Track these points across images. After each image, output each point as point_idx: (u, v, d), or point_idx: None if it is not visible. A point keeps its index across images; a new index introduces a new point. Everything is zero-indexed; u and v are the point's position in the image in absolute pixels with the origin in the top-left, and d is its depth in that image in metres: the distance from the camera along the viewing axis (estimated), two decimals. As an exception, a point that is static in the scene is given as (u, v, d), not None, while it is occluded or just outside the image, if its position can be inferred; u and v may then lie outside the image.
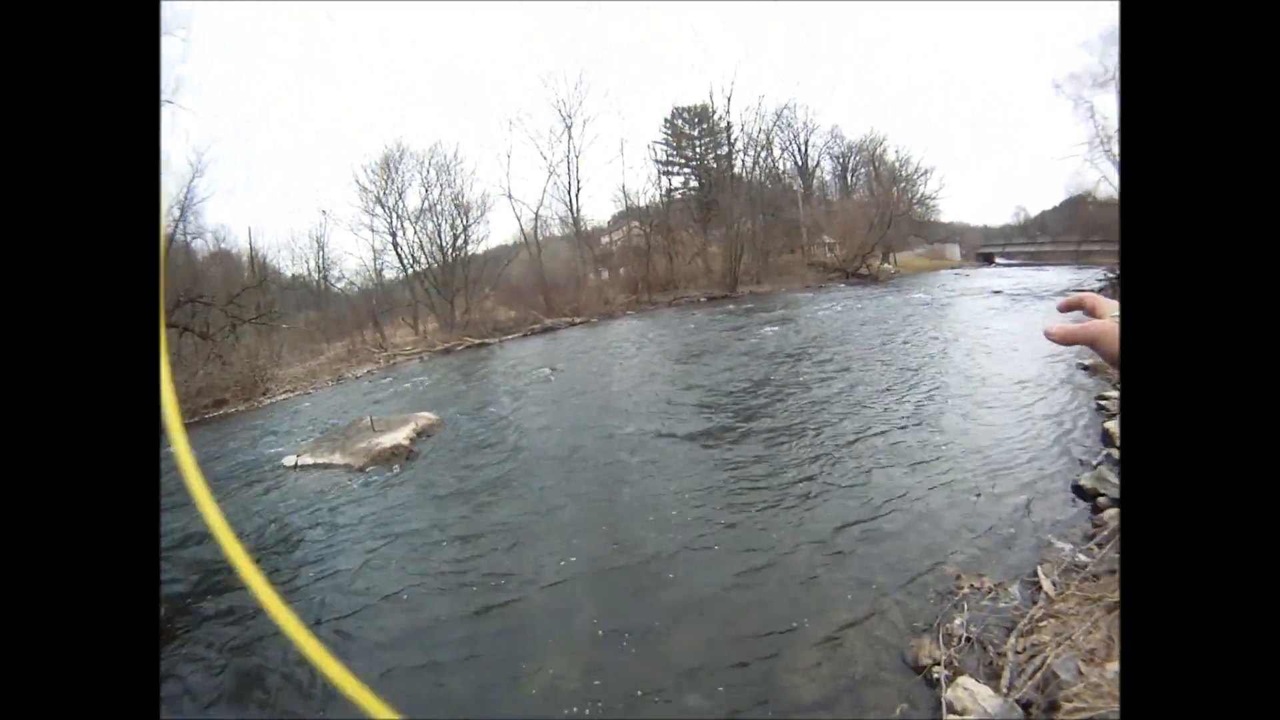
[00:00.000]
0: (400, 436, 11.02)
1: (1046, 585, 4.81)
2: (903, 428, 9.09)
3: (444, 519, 7.87)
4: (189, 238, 26.78)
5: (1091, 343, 0.79)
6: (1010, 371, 11.28)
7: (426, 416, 12.47)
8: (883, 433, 8.96)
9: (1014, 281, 26.35)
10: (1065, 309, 0.96)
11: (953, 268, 42.13)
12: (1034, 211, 56.76)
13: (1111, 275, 19.79)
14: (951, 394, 10.49)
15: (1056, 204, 45.73)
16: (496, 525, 7.50)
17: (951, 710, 3.85)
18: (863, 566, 5.60)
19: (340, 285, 33.52)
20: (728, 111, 39.93)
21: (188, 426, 15.26)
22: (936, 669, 4.21)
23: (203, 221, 29.45)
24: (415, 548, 7.14)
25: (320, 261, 34.19)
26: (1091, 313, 0.85)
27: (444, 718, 4.41)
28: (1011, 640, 4.30)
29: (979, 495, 6.63)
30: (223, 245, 31.00)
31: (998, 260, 44.51)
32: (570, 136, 33.79)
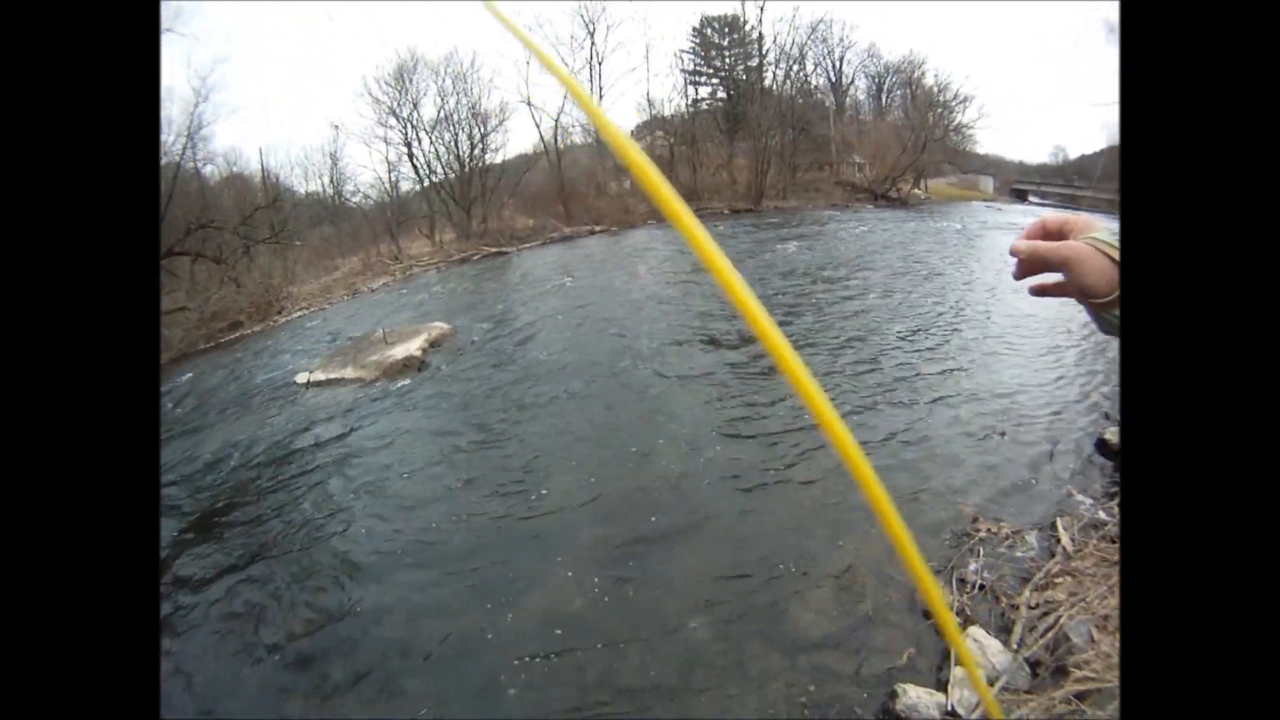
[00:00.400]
0: (413, 347, 10.91)
1: (1065, 540, 4.70)
2: (927, 360, 8.83)
3: (452, 429, 7.83)
4: (199, 164, 25.96)
5: (1063, 265, 0.71)
6: (1042, 313, 10.92)
7: (439, 326, 12.31)
8: (904, 364, 8.73)
9: (1049, 213, 25.12)
10: (1031, 237, 0.81)
11: (985, 200, 40.45)
12: (1073, 154, 54.41)
13: None
14: (979, 332, 10.16)
15: (1098, 150, 43.27)
16: (504, 436, 7.45)
17: (958, 662, 3.81)
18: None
19: (355, 199, 32.90)
20: (760, 22, 37.99)
21: (204, 351, 15.24)
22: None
23: (212, 147, 28.84)
24: (421, 460, 7.12)
25: (334, 176, 33.31)
26: (1058, 234, 0.77)
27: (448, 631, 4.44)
28: (1026, 594, 4.21)
29: (1003, 434, 6.46)
30: (234, 169, 30.33)
31: (1032, 199, 42.79)
32: (593, 43, 32.65)
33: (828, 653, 4.00)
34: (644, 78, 54.12)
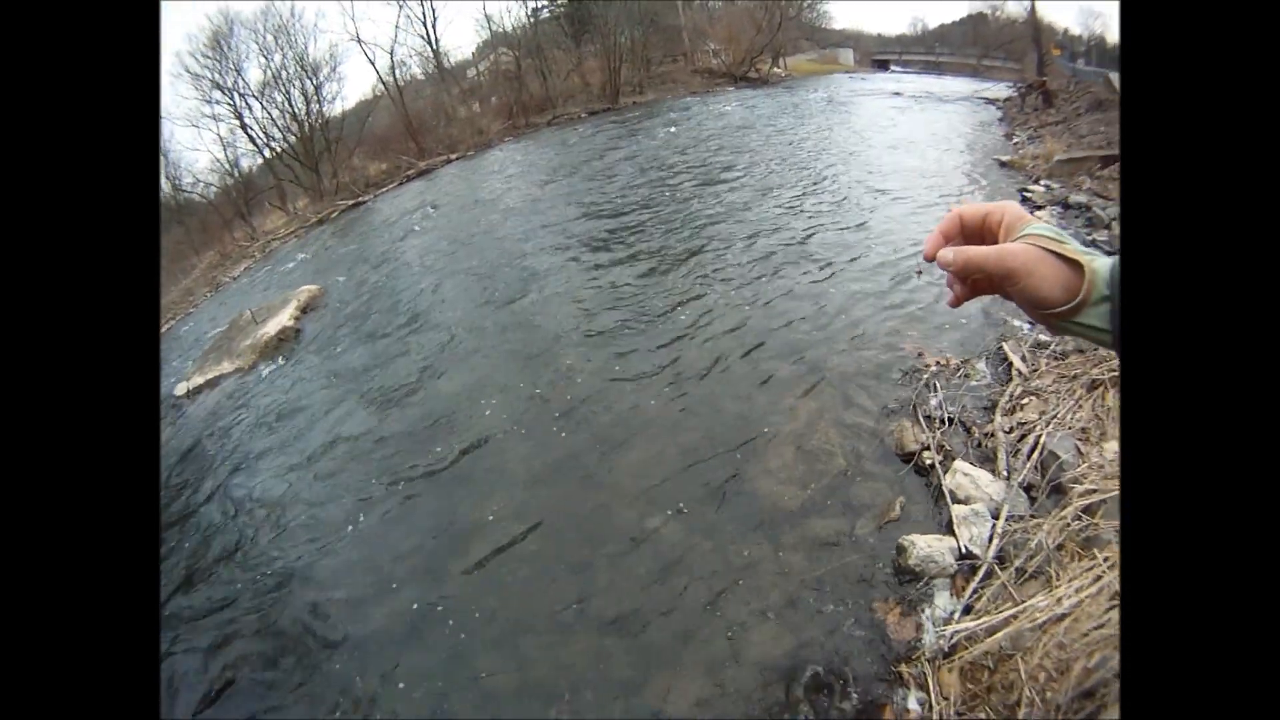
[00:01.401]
0: (284, 319, 10.05)
1: (1017, 362, 4.53)
2: (820, 224, 8.58)
3: (342, 387, 7.16)
4: None
5: (1008, 277, 0.61)
6: (925, 167, 10.82)
7: (307, 289, 11.36)
8: (804, 229, 8.47)
9: (914, 86, 25.31)
10: (948, 234, 0.69)
11: (846, 72, 40.77)
12: (933, 24, 54.40)
13: (1022, 86, 18.34)
14: (867, 188, 9.94)
15: (959, 19, 44.26)
16: (398, 379, 6.86)
17: (955, 499, 3.54)
18: (812, 360, 5.17)
19: (197, 190, 29.46)
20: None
21: None
22: (927, 454, 3.89)
23: None
24: (323, 427, 6.42)
25: (168, 172, 29.11)
26: (979, 228, 0.68)
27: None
28: (998, 419, 4.01)
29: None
30: None
31: (894, 67, 43.17)
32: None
33: (812, 521, 3.66)
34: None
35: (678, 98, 28.33)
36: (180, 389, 9.59)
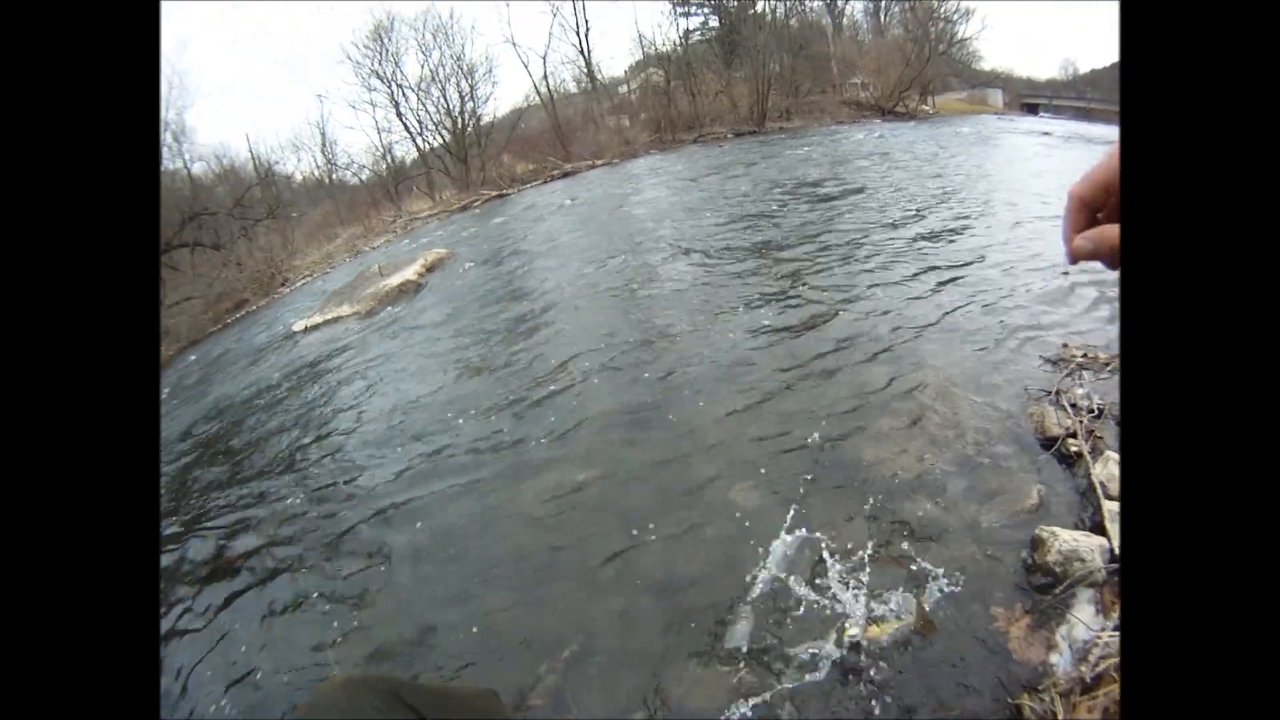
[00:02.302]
0: (409, 273, 10.48)
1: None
2: (959, 230, 8.10)
3: (446, 336, 7.32)
4: (189, 163, 25.28)
5: None
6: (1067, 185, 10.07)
7: (436, 251, 11.83)
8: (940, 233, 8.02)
9: (1063, 129, 24.09)
10: (1077, 223, 0.60)
11: (994, 113, 39.15)
12: (1084, 68, 52.52)
13: None
14: (1006, 202, 9.34)
15: (1110, 64, 41.92)
16: (500, 326, 6.98)
17: (1107, 493, 3.10)
18: (940, 345, 4.75)
19: (351, 170, 32.18)
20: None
21: (211, 334, 15.13)
22: (1073, 441, 3.49)
23: (198, 146, 28.94)
24: (417, 366, 6.60)
25: (325, 148, 32.50)
26: (1105, 200, 0.58)
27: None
28: (1161, 408, 3.57)
29: (1066, 273, 5.79)
30: (224, 163, 29.43)
31: (1043, 112, 41.13)
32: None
33: (923, 502, 3.12)
34: (633, 9, 52.37)
35: (823, 125, 28.06)
36: (299, 325, 10.40)
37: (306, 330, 9.97)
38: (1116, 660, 2.07)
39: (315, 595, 3.57)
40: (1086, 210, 0.59)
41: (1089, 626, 2.36)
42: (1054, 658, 2.28)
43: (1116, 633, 2.22)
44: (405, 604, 3.29)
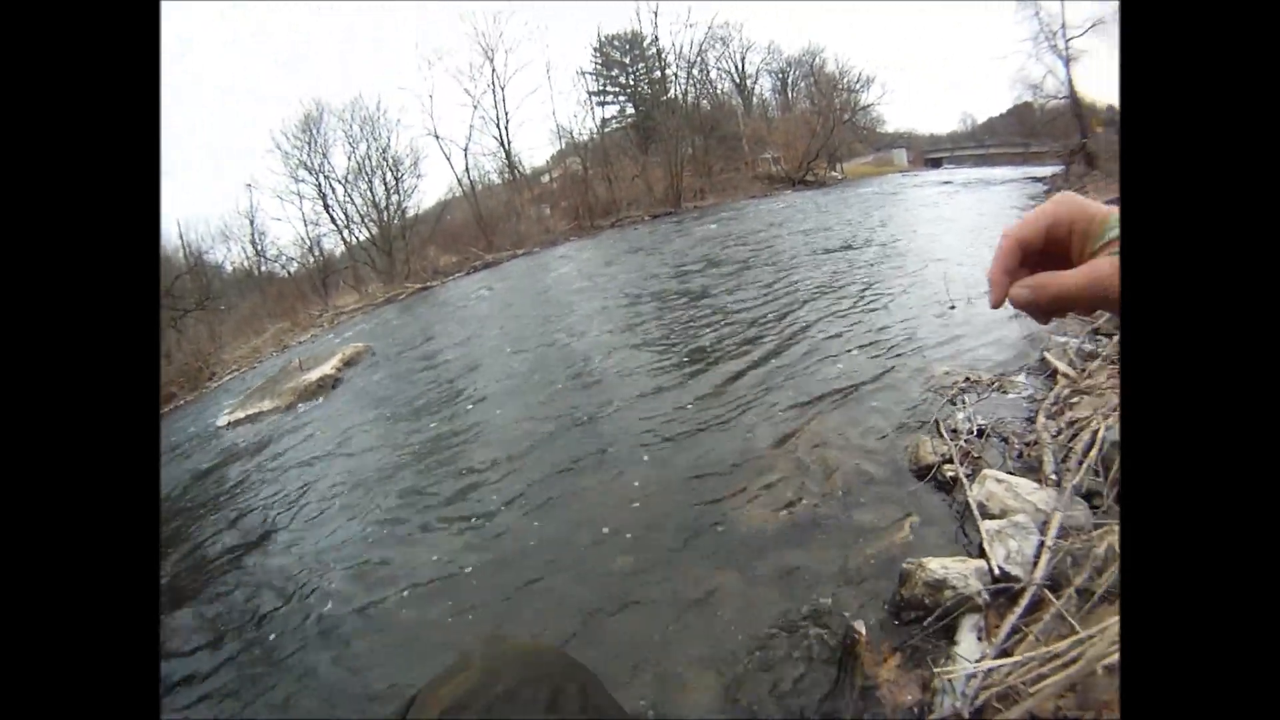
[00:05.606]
0: (327, 368, 10.70)
1: (1062, 367, 3.91)
2: (851, 275, 8.41)
3: (365, 426, 7.35)
4: None
5: (1107, 305, 0.50)
6: (966, 221, 10.47)
7: (354, 346, 12.07)
8: (830, 279, 8.27)
9: (963, 176, 25.66)
10: (1007, 265, 0.55)
11: (900, 172, 41.36)
12: (981, 118, 54.67)
13: (1065, 155, 18.69)
14: (904, 250, 9.69)
15: (1004, 111, 44.48)
16: (418, 410, 7.15)
17: (986, 513, 2.87)
18: (820, 383, 4.82)
19: (279, 263, 31.87)
20: (656, 32, 38.62)
21: None
22: (949, 467, 3.25)
23: None
24: (333, 454, 6.61)
25: (255, 238, 32.08)
26: (1046, 244, 0.55)
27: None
28: (1041, 420, 3.36)
29: (953, 307, 5.74)
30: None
31: (945, 164, 43.73)
32: (493, 69, 32.32)
33: (791, 551, 3.10)
34: (550, 100, 54.58)
35: (736, 201, 29.16)
36: (222, 420, 10.51)
37: (230, 426, 10.06)
38: (1002, 685, 1.94)
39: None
40: (1021, 254, 0.55)
41: (965, 659, 2.20)
42: (935, 695, 2.09)
43: (997, 660, 2.06)
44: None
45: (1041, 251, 0.55)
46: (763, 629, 2.66)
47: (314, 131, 29.12)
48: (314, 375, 10.38)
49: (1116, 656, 1.61)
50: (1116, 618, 1.79)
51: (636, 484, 4.04)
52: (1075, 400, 3.42)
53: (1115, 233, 0.51)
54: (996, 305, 0.55)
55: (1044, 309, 0.52)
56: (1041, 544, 2.50)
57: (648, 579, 3.15)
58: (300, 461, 6.70)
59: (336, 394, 9.64)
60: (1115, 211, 0.53)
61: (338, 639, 3.35)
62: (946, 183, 22.61)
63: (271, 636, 3.57)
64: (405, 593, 3.57)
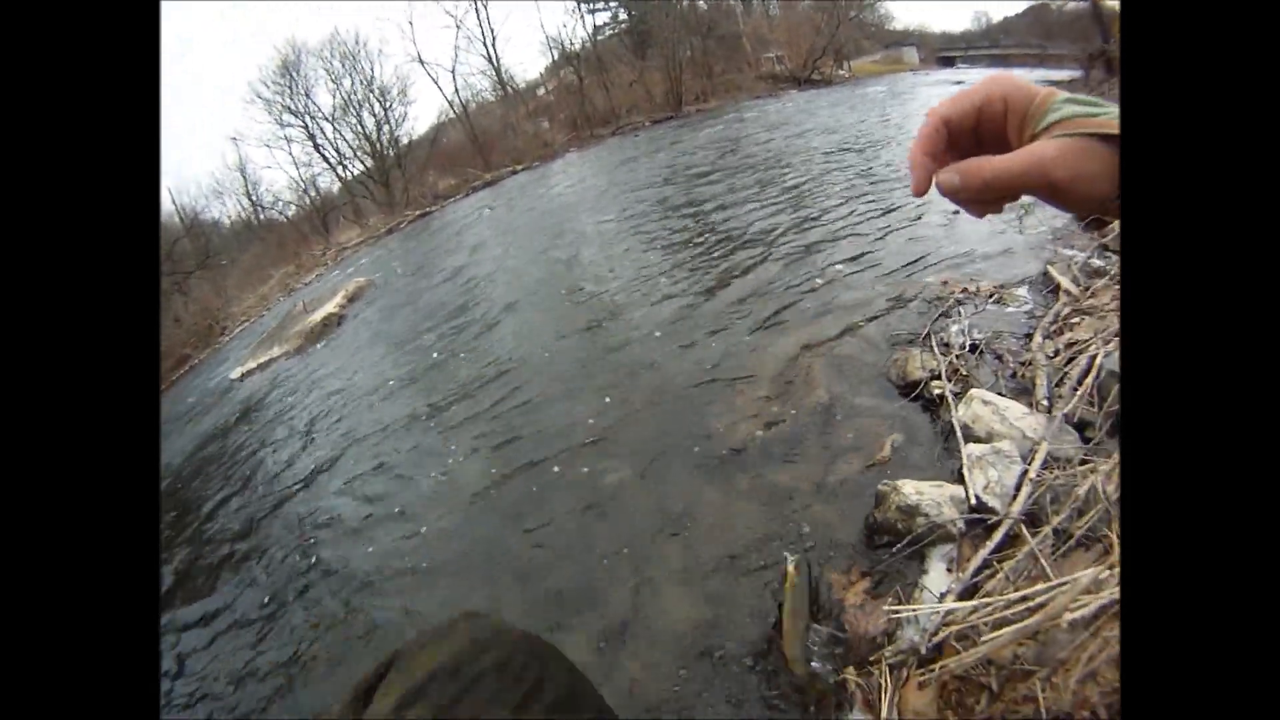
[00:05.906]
0: (330, 307, 10.79)
1: (1065, 283, 3.76)
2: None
3: (374, 361, 7.49)
4: None
5: (1054, 188, 0.46)
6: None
7: (355, 281, 12.09)
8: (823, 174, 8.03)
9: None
10: (929, 147, 0.50)
11: (911, 70, 39.59)
12: (996, 17, 52.60)
13: (1084, 59, 17.64)
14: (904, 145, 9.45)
15: (1020, 11, 42.56)
16: (421, 338, 7.23)
17: (970, 436, 2.78)
18: (811, 297, 4.77)
19: (277, 209, 31.61)
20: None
21: (162, 393, 14.74)
22: (936, 384, 3.17)
23: None
24: (342, 389, 6.83)
25: (249, 190, 31.83)
26: (975, 124, 0.50)
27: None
28: (1038, 340, 3.25)
29: (956, 212, 5.49)
30: None
31: (959, 64, 41.76)
32: (474, -18, 30.81)
33: (770, 467, 3.12)
34: (538, 11, 52.59)
35: (740, 102, 28.06)
36: (235, 373, 10.70)
37: (243, 377, 10.24)
38: (961, 625, 1.87)
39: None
40: (947, 136, 0.50)
41: (931, 590, 2.16)
42: (896, 627, 2.05)
43: (959, 602, 2.00)
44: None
45: (973, 137, 0.50)
46: (738, 545, 2.71)
47: (293, 74, 28.52)
48: (318, 315, 10.50)
49: (1083, 610, 1.54)
50: (1090, 569, 1.66)
51: (621, 399, 4.17)
52: (1076, 320, 3.28)
53: (1062, 113, 0.47)
54: (919, 192, 0.50)
55: (975, 196, 0.47)
56: (1024, 475, 2.40)
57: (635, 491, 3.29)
58: (308, 407, 6.90)
59: (341, 330, 9.77)
60: (1059, 92, 0.49)
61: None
62: (959, 83, 21.63)
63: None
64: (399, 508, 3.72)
